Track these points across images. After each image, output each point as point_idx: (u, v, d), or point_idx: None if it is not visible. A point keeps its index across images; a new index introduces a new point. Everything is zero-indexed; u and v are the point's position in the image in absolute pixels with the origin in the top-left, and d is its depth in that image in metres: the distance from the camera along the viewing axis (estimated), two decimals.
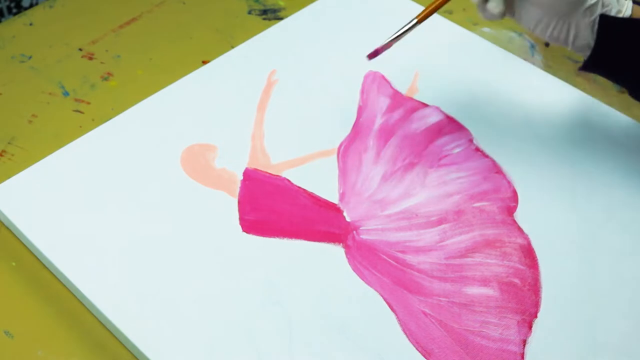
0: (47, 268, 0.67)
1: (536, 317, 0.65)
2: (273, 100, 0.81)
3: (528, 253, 0.69)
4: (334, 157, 0.76)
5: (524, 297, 0.66)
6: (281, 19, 0.91)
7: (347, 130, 0.78)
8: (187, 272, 0.66)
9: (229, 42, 0.89)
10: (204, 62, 0.85)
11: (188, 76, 0.82)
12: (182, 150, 0.75)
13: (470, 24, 0.92)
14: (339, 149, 0.76)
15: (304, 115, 0.80)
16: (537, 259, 0.69)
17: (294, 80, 0.83)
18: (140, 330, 0.62)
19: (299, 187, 0.73)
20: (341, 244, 0.69)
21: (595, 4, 0.69)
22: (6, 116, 0.80)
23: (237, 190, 0.72)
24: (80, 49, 0.87)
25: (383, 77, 0.83)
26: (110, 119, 0.78)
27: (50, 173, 0.72)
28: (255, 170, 0.74)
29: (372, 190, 0.73)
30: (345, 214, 0.71)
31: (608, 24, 0.68)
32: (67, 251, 0.66)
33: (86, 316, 0.65)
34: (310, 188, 0.73)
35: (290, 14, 0.91)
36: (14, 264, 0.68)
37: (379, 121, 0.79)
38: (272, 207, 0.71)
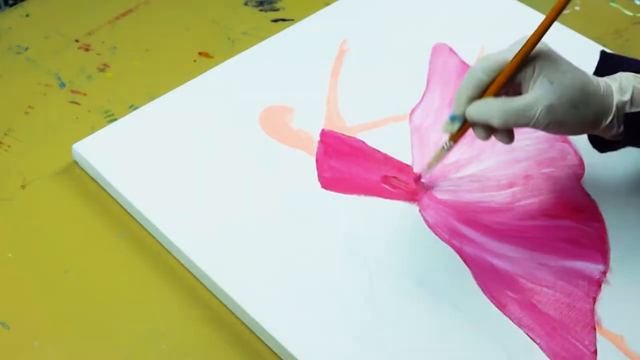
0: (41, 259, 0.67)
1: (605, 277, 0.67)
2: (345, 67, 0.83)
3: (596, 216, 0.71)
4: (406, 122, 0.78)
5: (593, 257, 0.68)
6: (277, 10, 0.91)
7: (417, 98, 0.80)
8: (270, 225, 0.69)
9: (225, 33, 0.89)
10: (200, 54, 0.85)
11: (270, 39, 0.85)
12: (260, 110, 0.78)
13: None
14: (410, 115, 0.78)
15: (375, 83, 0.82)
16: (604, 222, 0.70)
17: (365, 50, 0.85)
18: (230, 279, 0.65)
19: (374, 148, 0.75)
20: (416, 202, 0.71)
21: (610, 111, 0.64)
22: (2, 107, 0.80)
23: (315, 149, 0.75)
24: (77, 40, 0.87)
25: (451, 49, 0.85)
26: (106, 110, 0.78)
27: (137, 126, 0.75)
28: (332, 131, 0.76)
29: None
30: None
31: (634, 121, 0.65)
32: (157, 202, 0.69)
33: (81, 306, 0.65)
34: (384, 150, 0.75)
35: (287, 5, 0.91)
36: (10, 255, 0.68)
37: (448, 90, 0.81)
38: (349, 166, 0.73)
